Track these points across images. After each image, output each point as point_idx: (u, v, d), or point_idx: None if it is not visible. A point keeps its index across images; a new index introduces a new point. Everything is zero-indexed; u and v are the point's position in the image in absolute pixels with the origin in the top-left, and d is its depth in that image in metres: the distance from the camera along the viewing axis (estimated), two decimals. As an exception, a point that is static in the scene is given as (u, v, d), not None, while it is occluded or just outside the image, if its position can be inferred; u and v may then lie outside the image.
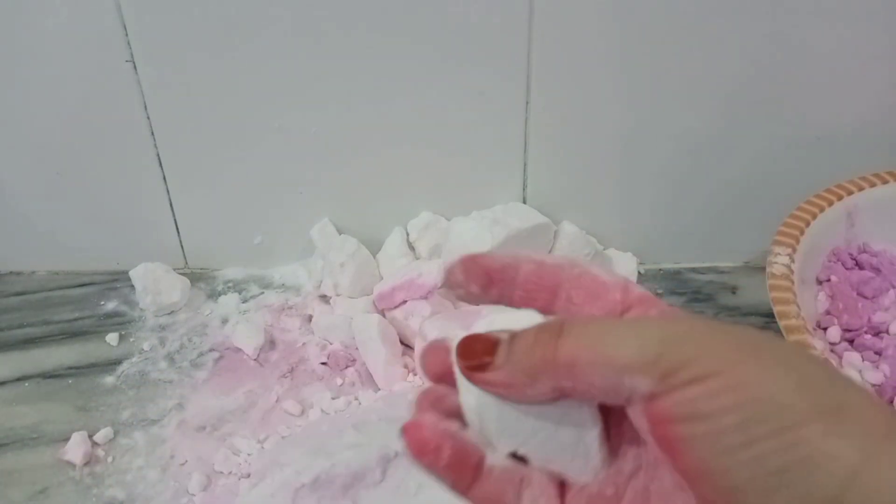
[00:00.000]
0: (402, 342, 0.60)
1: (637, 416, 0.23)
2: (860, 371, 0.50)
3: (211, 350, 0.61)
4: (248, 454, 0.53)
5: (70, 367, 0.59)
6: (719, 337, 0.23)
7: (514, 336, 0.24)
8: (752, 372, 0.22)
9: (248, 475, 0.52)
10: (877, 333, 0.53)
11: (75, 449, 0.53)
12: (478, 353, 0.24)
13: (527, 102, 0.59)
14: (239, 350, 0.60)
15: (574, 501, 0.25)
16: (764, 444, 0.21)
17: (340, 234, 0.65)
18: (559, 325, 0.23)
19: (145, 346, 0.61)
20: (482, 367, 0.24)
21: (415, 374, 0.58)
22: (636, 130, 0.60)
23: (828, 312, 0.54)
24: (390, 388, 0.56)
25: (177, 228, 0.66)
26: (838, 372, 0.23)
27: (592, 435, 0.25)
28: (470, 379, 0.24)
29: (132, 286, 0.64)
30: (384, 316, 0.60)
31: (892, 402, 0.49)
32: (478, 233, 0.59)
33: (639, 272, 0.66)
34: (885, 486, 0.20)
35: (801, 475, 0.21)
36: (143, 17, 0.56)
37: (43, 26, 0.56)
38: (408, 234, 0.65)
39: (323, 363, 0.59)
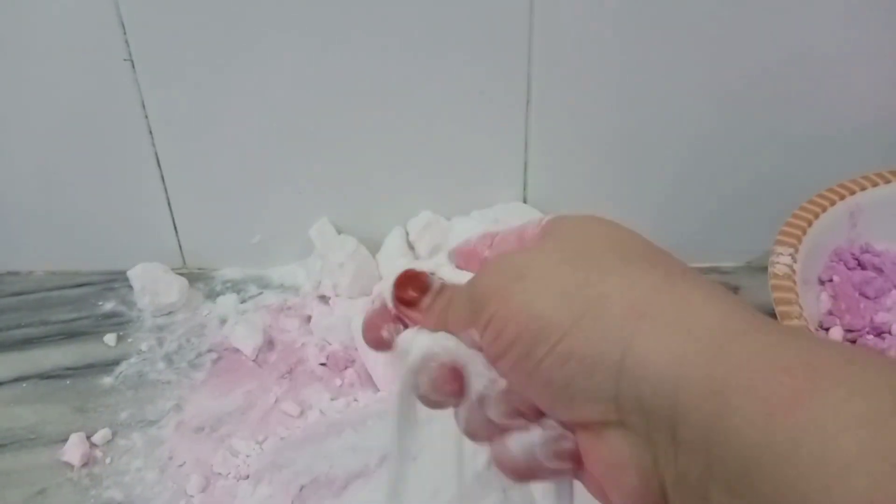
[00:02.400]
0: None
1: None
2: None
3: (209, 351, 0.60)
4: (247, 455, 0.53)
5: (68, 368, 0.59)
6: (500, 268, 0.26)
7: (441, 288, 0.29)
8: (520, 298, 0.25)
9: (247, 476, 0.51)
10: (879, 334, 0.53)
11: (73, 450, 0.52)
12: (410, 290, 0.29)
13: (527, 101, 0.59)
14: (237, 351, 0.60)
15: None
16: (546, 364, 0.24)
17: (339, 234, 0.64)
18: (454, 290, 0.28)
19: (143, 347, 0.61)
20: (409, 303, 0.29)
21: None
22: (637, 130, 0.60)
23: (830, 313, 0.54)
24: (390, 390, 0.56)
25: (175, 228, 0.66)
26: (607, 240, 0.26)
27: None
28: (397, 308, 0.29)
29: (130, 286, 0.64)
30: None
31: None
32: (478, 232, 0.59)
33: (640, 272, 0.66)
34: (646, 377, 0.22)
35: (582, 384, 0.23)
36: (141, 15, 0.55)
37: (40, 24, 0.56)
38: (408, 234, 0.65)
39: (322, 364, 0.59)
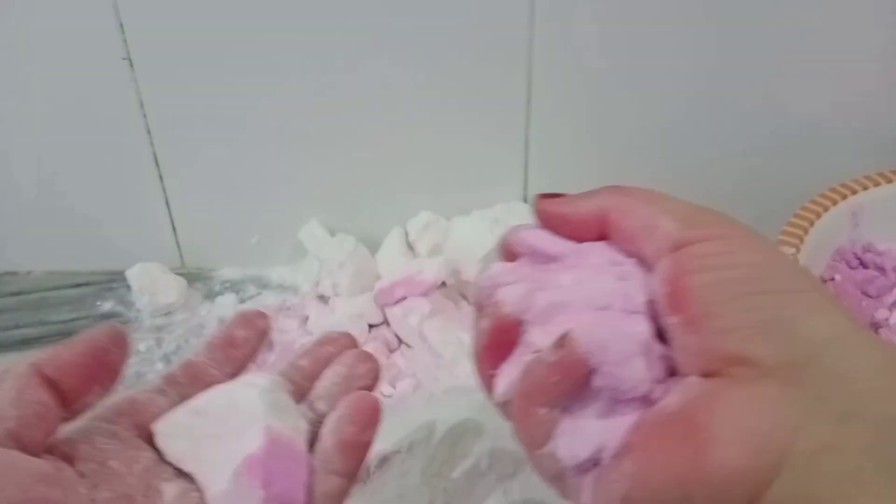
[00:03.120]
0: (400, 341, 0.59)
1: (659, 272, 0.26)
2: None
3: (208, 351, 0.60)
4: (246, 456, 0.52)
5: (66, 369, 0.59)
6: (733, 219, 0.27)
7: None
8: (757, 241, 0.26)
9: (246, 478, 0.51)
10: (876, 330, 0.53)
11: (71, 451, 0.52)
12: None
13: (528, 101, 0.59)
14: (237, 351, 0.59)
15: None
16: (760, 298, 0.24)
17: (338, 234, 0.64)
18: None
19: (141, 348, 0.60)
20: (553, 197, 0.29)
21: (413, 375, 0.57)
22: (638, 130, 0.60)
23: (832, 312, 0.54)
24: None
25: (173, 228, 0.66)
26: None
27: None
28: (539, 204, 0.29)
29: (129, 286, 0.64)
30: (384, 312, 0.60)
31: None
32: (478, 232, 0.59)
33: (640, 272, 0.66)
34: (856, 355, 0.23)
35: (782, 332, 0.23)
36: (139, 15, 0.55)
37: (38, 23, 0.56)
38: (407, 234, 0.64)
39: (321, 364, 0.58)
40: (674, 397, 0.25)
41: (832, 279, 0.55)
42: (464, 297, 0.62)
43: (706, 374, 0.24)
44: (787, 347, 0.23)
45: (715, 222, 0.26)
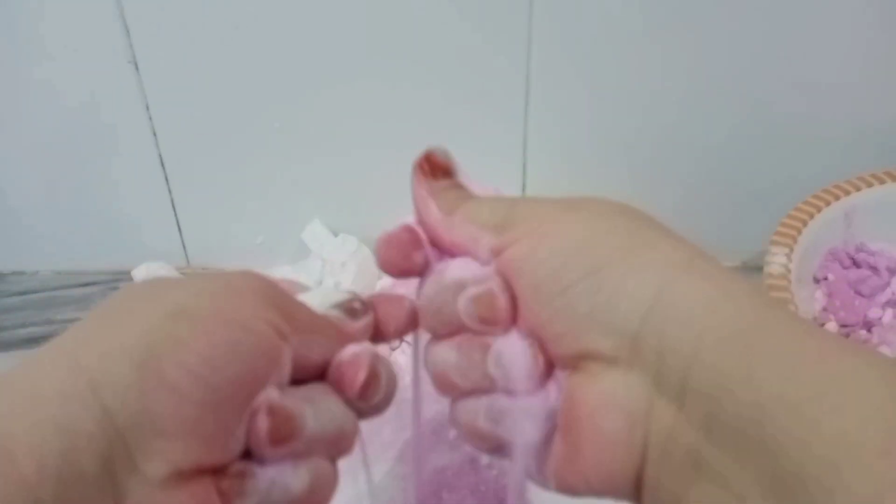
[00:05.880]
0: (401, 339, 0.59)
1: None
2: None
3: (213, 351, 0.60)
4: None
5: (73, 368, 0.59)
6: (550, 202, 0.26)
7: (461, 185, 0.29)
8: (566, 223, 0.25)
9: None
10: (870, 329, 0.54)
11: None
12: (436, 166, 0.30)
13: (526, 101, 0.59)
14: (241, 350, 0.60)
15: None
16: (574, 290, 0.23)
17: (340, 235, 0.65)
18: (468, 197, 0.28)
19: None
20: (433, 175, 0.29)
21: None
22: (636, 130, 0.60)
23: (825, 310, 0.54)
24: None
25: (179, 228, 0.66)
26: (654, 220, 0.26)
27: None
28: (416, 177, 0.29)
29: (135, 286, 0.64)
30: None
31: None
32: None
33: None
34: (677, 317, 0.22)
35: (606, 316, 0.23)
36: (145, 19, 0.56)
37: (44, 27, 0.56)
38: (409, 234, 0.65)
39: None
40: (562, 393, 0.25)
41: (825, 279, 0.56)
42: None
43: (567, 368, 0.25)
44: (617, 331, 0.23)
45: (523, 218, 0.26)
